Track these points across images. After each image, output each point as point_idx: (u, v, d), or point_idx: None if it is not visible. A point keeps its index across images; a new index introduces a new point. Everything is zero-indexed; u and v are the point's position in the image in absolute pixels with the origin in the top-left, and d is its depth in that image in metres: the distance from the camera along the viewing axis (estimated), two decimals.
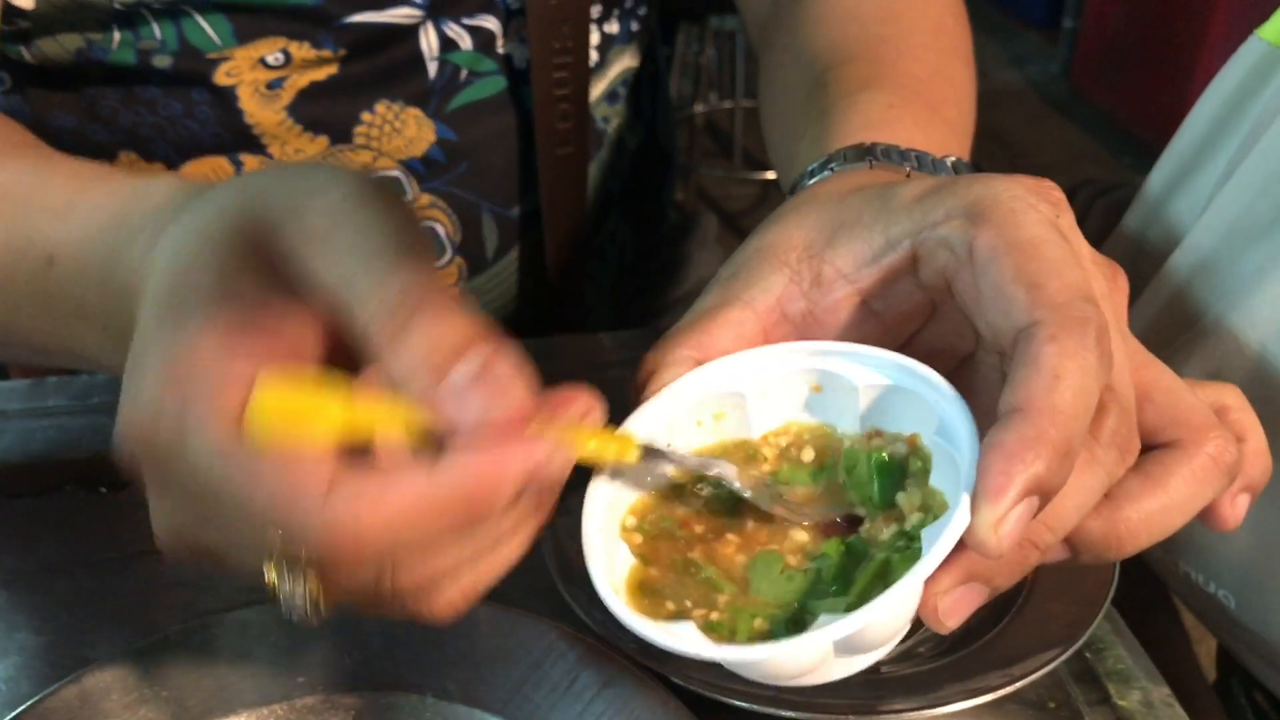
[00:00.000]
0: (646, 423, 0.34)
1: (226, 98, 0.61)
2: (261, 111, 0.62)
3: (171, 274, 0.30)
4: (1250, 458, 0.34)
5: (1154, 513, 0.32)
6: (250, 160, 0.63)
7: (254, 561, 0.28)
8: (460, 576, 0.30)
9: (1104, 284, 0.32)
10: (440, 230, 0.67)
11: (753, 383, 0.34)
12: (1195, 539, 0.51)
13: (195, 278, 0.29)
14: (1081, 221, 0.79)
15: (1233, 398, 0.34)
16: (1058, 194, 0.33)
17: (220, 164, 0.63)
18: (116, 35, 0.59)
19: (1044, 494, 0.28)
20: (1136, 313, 0.53)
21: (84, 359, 0.40)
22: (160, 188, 0.36)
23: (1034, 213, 0.31)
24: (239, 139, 0.62)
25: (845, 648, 0.30)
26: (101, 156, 0.64)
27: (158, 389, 0.28)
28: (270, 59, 0.60)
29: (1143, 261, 0.55)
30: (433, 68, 0.63)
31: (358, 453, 0.28)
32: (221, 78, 0.60)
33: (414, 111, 0.64)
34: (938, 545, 0.28)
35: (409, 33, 0.62)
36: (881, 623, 0.29)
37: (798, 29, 0.58)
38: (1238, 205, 0.48)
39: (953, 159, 0.43)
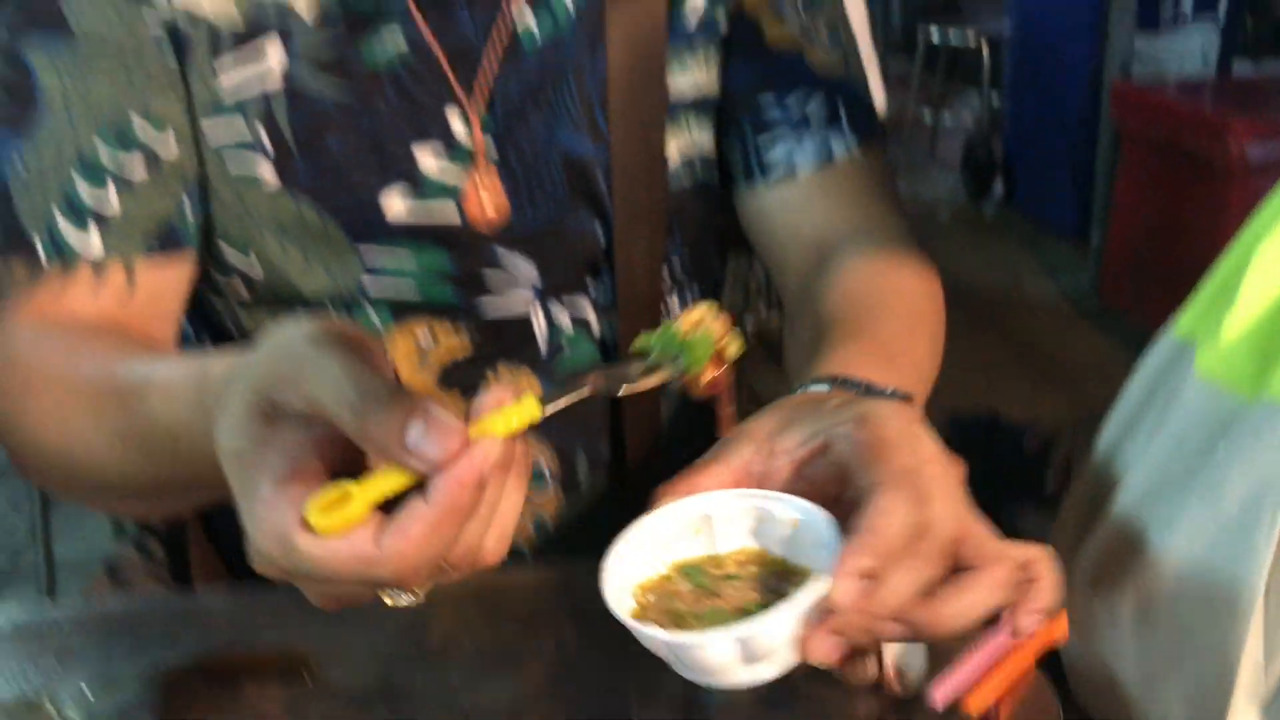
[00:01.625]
0: (648, 531, 0.52)
1: None
2: (412, 377, 0.80)
3: (231, 455, 0.44)
4: (1043, 591, 0.50)
5: (959, 608, 0.48)
6: None
7: (371, 594, 0.46)
8: (488, 539, 0.45)
9: (945, 465, 0.50)
10: (544, 464, 0.84)
11: (718, 511, 0.52)
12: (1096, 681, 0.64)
13: (244, 450, 0.44)
14: (1070, 454, 0.94)
15: (1038, 553, 0.51)
16: (913, 413, 0.53)
17: None
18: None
19: (870, 577, 0.45)
20: (1091, 542, 0.68)
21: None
22: (214, 373, 0.51)
23: (895, 420, 0.50)
24: None
25: (746, 652, 0.46)
26: None
27: (262, 542, 0.43)
28: (420, 339, 0.79)
29: (1098, 499, 0.70)
30: (542, 341, 0.82)
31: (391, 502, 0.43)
32: None
33: (527, 373, 0.82)
34: (805, 593, 0.46)
35: (524, 317, 0.81)
36: (766, 634, 0.46)
37: (815, 304, 0.77)
38: (1157, 466, 0.64)
39: (891, 389, 0.61)
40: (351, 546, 0.42)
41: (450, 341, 0.79)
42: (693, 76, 0.80)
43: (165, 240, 0.73)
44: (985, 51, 4.22)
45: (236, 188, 0.74)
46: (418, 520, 0.42)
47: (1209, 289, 0.67)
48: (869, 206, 0.82)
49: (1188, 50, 3.56)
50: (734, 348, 0.51)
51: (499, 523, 0.46)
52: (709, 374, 0.51)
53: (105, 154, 0.70)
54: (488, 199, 0.75)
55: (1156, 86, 3.14)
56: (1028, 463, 0.97)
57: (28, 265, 0.70)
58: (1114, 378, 0.74)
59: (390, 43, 0.73)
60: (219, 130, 0.73)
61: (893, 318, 0.73)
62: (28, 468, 0.70)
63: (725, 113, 0.82)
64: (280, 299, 0.77)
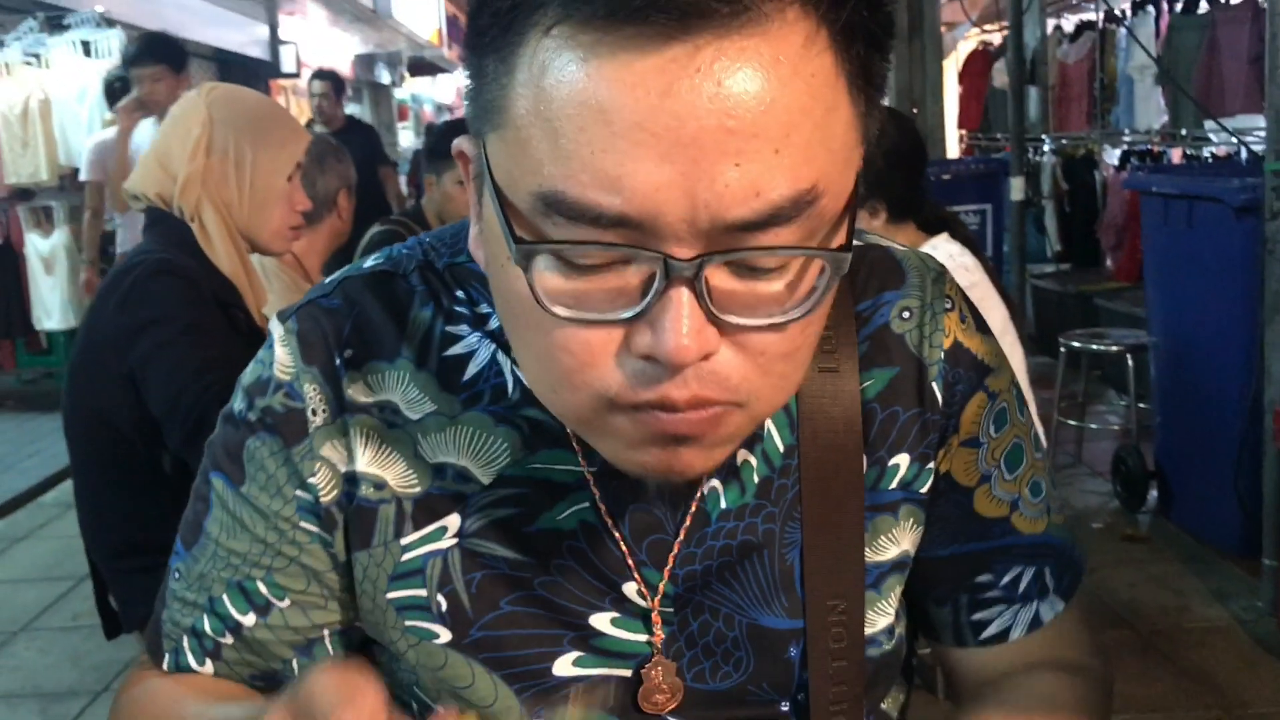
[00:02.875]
0: None
1: None
2: None
3: None
4: None
5: None
6: None
7: None
8: None
9: None
10: None
11: None
12: None
13: None
14: None
15: None
16: None
17: None
18: None
19: None
20: None
21: None
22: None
23: None
24: None
25: None
26: None
27: None
28: None
29: None
30: None
31: None
32: None
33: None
34: None
35: None
36: None
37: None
38: None
39: None
40: None
41: None
42: (897, 545, 0.76)
43: (269, 681, 0.77)
44: (1129, 360, 4.21)
45: (408, 642, 0.73)
46: None
47: None
48: (1068, 653, 0.81)
49: None
50: None
51: None
52: None
53: (230, 604, 0.75)
54: (663, 672, 0.72)
55: None
56: None
57: (155, 661, 0.79)
58: None
59: (571, 513, 0.72)
60: (397, 590, 0.73)
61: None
62: None
63: (938, 584, 0.79)
64: None
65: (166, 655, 0.77)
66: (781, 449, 0.73)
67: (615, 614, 0.72)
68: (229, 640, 0.75)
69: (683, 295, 0.54)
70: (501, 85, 0.56)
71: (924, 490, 0.76)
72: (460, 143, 0.66)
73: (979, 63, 9.37)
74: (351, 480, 0.73)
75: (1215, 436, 3.59)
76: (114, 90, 5.17)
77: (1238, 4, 6.01)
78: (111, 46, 5.98)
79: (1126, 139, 6.96)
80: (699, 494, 0.72)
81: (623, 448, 0.61)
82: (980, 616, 0.79)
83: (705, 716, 0.73)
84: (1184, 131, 6.46)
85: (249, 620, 0.74)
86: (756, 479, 0.73)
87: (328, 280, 0.77)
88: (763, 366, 0.58)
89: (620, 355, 0.57)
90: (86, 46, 5.99)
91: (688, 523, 0.72)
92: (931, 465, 0.76)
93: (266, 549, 0.74)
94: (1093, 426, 4.79)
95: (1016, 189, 5.27)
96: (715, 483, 0.73)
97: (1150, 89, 6.89)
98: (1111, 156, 7.06)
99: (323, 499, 0.73)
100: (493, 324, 0.73)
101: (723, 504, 0.73)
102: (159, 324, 1.67)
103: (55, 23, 6.15)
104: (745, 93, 0.52)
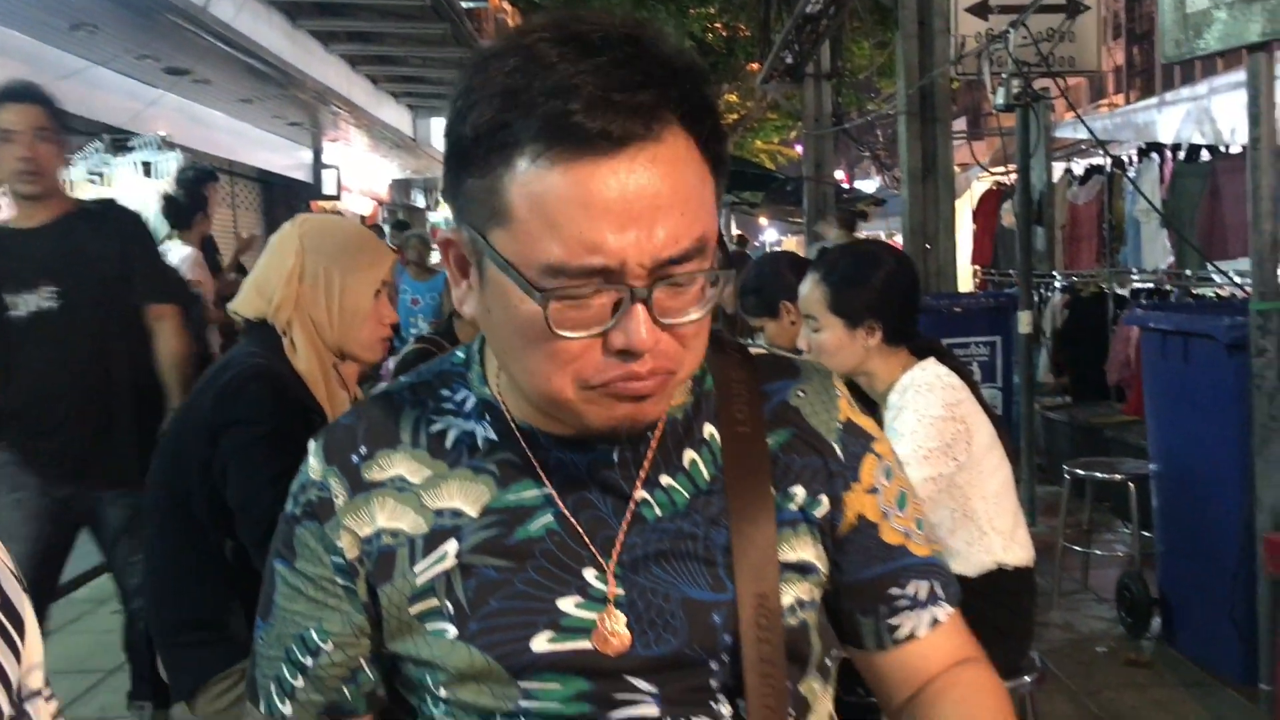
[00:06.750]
0: None
1: None
2: None
3: None
4: None
5: None
6: None
7: None
8: None
9: None
10: None
11: None
12: None
13: None
14: None
15: None
16: None
17: None
18: None
19: None
20: None
21: None
22: None
23: None
24: None
25: None
26: None
27: None
28: None
29: None
30: None
31: None
32: None
33: None
34: None
35: None
36: None
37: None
38: None
39: None
40: None
41: None
42: (796, 552, 1.00)
43: (334, 715, 1.01)
44: (1132, 489, 4.33)
45: (429, 641, 0.96)
46: None
47: None
48: (958, 647, 1.08)
49: None
50: None
51: None
52: None
53: (296, 652, 1.01)
54: (612, 633, 0.94)
55: None
56: None
57: (258, 710, 1.03)
58: None
59: (540, 524, 0.96)
60: (418, 605, 0.96)
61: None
62: None
63: (864, 599, 1.05)
64: (464, 707, 0.96)
65: (262, 703, 1.02)
66: (707, 478, 0.99)
67: (578, 598, 0.94)
68: (300, 682, 1.00)
69: (640, 309, 0.84)
70: (493, 194, 0.84)
71: (818, 514, 1.02)
72: (444, 233, 0.93)
73: (992, 201, 9.71)
74: (372, 538, 0.98)
75: (1213, 565, 3.70)
76: (176, 206, 5.51)
77: (1237, 153, 6.31)
78: (169, 168, 6.36)
79: (1135, 278, 7.20)
80: (632, 503, 0.97)
81: (601, 413, 0.88)
82: (894, 621, 1.05)
83: (656, 678, 0.94)
84: (1189, 272, 6.70)
85: (309, 662, 1.00)
86: (687, 496, 0.98)
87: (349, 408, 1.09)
88: (685, 345, 0.89)
89: (597, 353, 0.86)
90: (148, 167, 6.36)
91: (627, 523, 0.96)
92: (823, 497, 1.02)
93: (315, 604, 0.99)
94: (1098, 553, 4.89)
95: (1024, 322, 5.48)
96: (644, 494, 0.98)
97: (1156, 231, 7.16)
98: (1121, 294, 7.28)
99: (348, 556, 0.98)
100: (468, 405, 1.01)
101: (657, 511, 0.97)
102: (245, 425, 1.86)
103: (120, 144, 6.55)
104: (662, 180, 0.83)
